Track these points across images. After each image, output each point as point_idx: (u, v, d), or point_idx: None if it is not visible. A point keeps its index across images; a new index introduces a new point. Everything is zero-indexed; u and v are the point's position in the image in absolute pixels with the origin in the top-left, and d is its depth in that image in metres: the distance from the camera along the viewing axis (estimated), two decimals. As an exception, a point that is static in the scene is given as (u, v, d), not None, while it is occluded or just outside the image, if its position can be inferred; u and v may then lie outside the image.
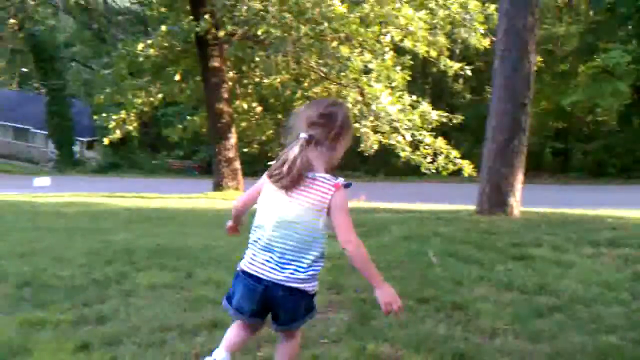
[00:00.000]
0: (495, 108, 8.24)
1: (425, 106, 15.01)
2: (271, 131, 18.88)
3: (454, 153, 14.72)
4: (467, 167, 14.43)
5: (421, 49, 14.83)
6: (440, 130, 16.31)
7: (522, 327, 3.45)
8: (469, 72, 15.88)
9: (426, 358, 2.98)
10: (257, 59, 14.94)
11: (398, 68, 15.24)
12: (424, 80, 31.59)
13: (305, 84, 17.03)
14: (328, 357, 2.97)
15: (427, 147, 14.82)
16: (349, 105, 15.23)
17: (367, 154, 15.95)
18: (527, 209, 9.44)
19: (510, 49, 8.02)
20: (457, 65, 15.50)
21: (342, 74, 14.62)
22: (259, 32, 13.77)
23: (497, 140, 8.17)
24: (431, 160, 14.90)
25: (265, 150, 20.96)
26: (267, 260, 2.38)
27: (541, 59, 15.97)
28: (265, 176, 2.46)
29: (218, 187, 15.85)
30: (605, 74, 25.17)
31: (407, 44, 14.81)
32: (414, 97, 15.15)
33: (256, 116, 18.61)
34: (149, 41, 14.87)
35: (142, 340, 3.20)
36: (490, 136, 8.29)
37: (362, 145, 15.38)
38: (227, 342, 2.49)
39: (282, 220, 2.36)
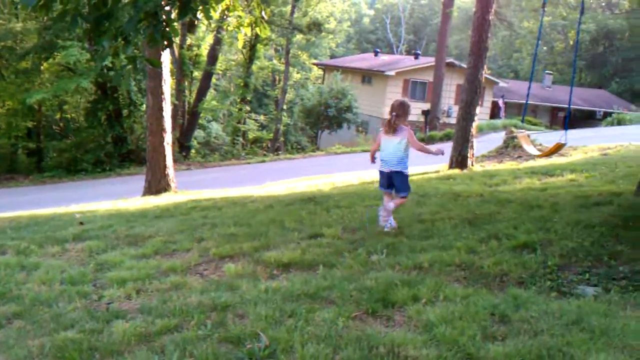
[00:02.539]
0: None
1: None
2: None
3: None
4: None
5: None
6: None
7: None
8: None
9: None
10: None
11: None
12: None
13: None
14: None
15: None
16: None
17: None
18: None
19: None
20: None
21: None
22: None
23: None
24: None
25: None
26: (387, 165, 5.87)
27: (-2, 56, 15.09)
28: (380, 133, 5.94)
29: None
30: (68, 71, 25.51)
31: None
32: None
33: None
34: None
35: None
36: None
37: None
38: (385, 202, 5.98)
39: (390, 148, 5.83)
